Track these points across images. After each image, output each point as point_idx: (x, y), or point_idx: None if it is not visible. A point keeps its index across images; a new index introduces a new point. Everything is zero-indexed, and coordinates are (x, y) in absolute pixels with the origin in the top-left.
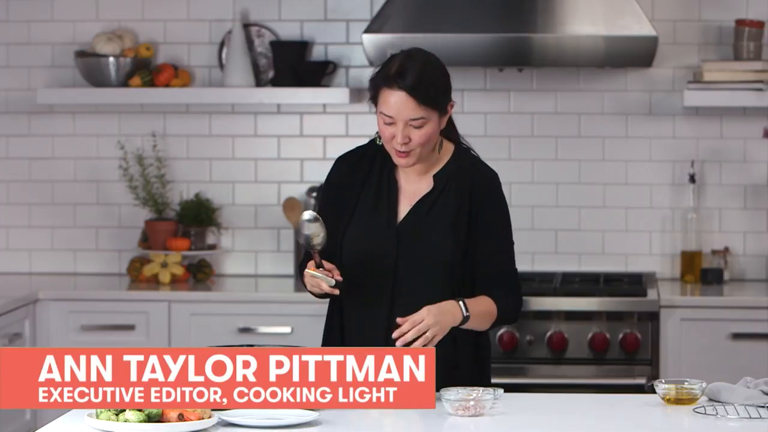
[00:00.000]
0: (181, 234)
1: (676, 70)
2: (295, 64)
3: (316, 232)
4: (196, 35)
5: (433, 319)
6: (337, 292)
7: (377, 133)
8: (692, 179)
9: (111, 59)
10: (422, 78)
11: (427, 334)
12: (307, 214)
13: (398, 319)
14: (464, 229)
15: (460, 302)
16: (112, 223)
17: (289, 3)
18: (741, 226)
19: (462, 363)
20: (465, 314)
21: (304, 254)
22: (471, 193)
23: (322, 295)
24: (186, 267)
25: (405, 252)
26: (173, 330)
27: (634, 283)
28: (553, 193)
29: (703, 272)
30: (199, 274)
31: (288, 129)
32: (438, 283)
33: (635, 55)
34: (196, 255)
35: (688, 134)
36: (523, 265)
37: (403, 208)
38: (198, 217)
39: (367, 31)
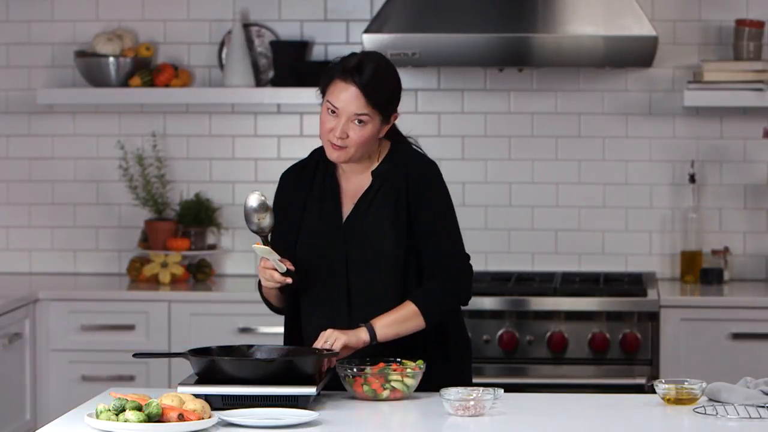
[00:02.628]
0: (181, 234)
1: (676, 70)
2: (295, 64)
3: (263, 216)
4: (196, 35)
5: (338, 344)
6: (289, 280)
7: None
8: (692, 179)
9: (111, 59)
10: (377, 79)
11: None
12: (254, 200)
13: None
14: (404, 221)
15: (367, 328)
16: (112, 223)
17: (289, 3)
18: (741, 226)
19: (429, 353)
20: (370, 336)
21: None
22: (407, 185)
23: (276, 309)
24: (186, 267)
25: (353, 250)
26: (173, 330)
27: (634, 283)
28: (553, 193)
29: (703, 272)
30: (199, 274)
31: (288, 129)
32: (388, 278)
33: (635, 55)
34: (196, 255)
35: (688, 134)
36: (523, 265)
37: (347, 208)
38: (198, 217)
39: (367, 31)
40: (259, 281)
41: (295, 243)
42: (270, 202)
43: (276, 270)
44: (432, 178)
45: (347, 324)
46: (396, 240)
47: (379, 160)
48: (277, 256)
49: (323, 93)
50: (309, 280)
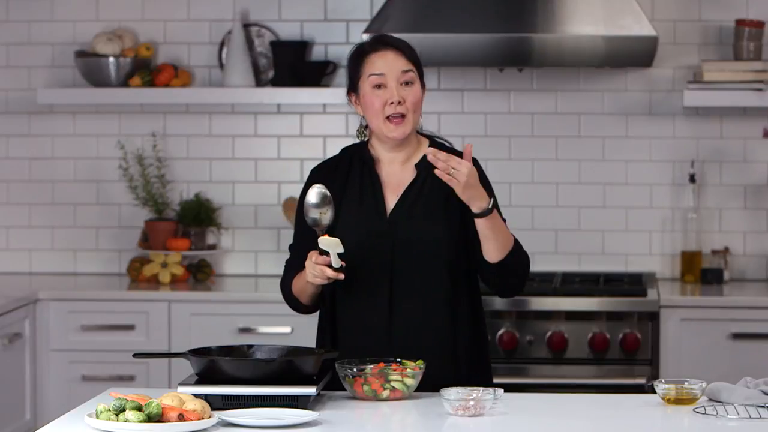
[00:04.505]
0: (181, 234)
1: (676, 70)
2: (295, 64)
3: (324, 212)
4: (196, 35)
5: (467, 172)
6: (342, 276)
7: (358, 129)
8: (692, 179)
9: (111, 59)
10: (402, 41)
11: (452, 172)
12: (314, 196)
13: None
14: (457, 212)
15: (491, 198)
16: (112, 223)
17: (289, 3)
18: (741, 226)
19: (461, 353)
20: (489, 206)
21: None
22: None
23: (302, 307)
24: (186, 267)
25: (400, 241)
26: (173, 330)
27: (634, 283)
28: (553, 193)
29: (703, 272)
30: (199, 274)
31: (288, 129)
32: (437, 271)
33: (635, 55)
34: (196, 255)
35: (688, 134)
36: None
37: (390, 200)
38: (198, 217)
39: (367, 31)
40: (283, 279)
41: (333, 234)
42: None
43: (329, 266)
44: (481, 170)
45: (387, 317)
46: (448, 229)
47: (421, 154)
48: (342, 249)
49: (357, 80)
50: (349, 275)
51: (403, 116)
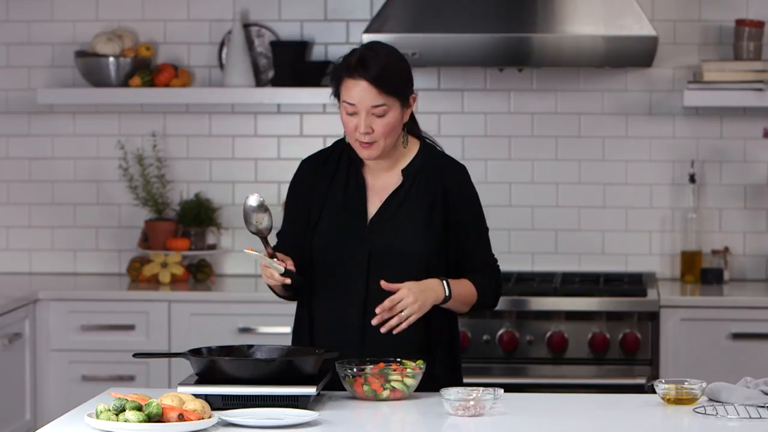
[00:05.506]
0: (181, 234)
1: (676, 70)
2: (295, 64)
3: (262, 218)
4: (196, 35)
5: (413, 297)
6: (288, 280)
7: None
8: (692, 179)
9: (111, 59)
10: (384, 67)
11: (402, 313)
12: (253, 201)
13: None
14: (439, 222)
15: (444, 281)
16: (112, 223)
17: (289, 3)
18: (741, 226)
19: (435, 350)
20: (447, 294)
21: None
22: (444, 186)
23: (286, 296)
24: (186, 267)
25: (379, 247)
26: (173, 330)
27: (634, 283)
28: (553, 193)
29: (703, 272)
30: (199, 274)
31: (288, 129)
32: (412, 278)
33: (635, 55)
34: (196, 255)
35: (688, 134)
36: (523, 265)
37: (373, 204)
38: (198, 217)
39: (367, 31)
40: None
41: (314, 231)
42: (268, 203)
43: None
44: (469, 181)
45: (360, 322)
46: (429, 239)
47: (409, 159)
48: (269, 260)
49: (337, 96)
50: (325, 273)
51: (371, 143)
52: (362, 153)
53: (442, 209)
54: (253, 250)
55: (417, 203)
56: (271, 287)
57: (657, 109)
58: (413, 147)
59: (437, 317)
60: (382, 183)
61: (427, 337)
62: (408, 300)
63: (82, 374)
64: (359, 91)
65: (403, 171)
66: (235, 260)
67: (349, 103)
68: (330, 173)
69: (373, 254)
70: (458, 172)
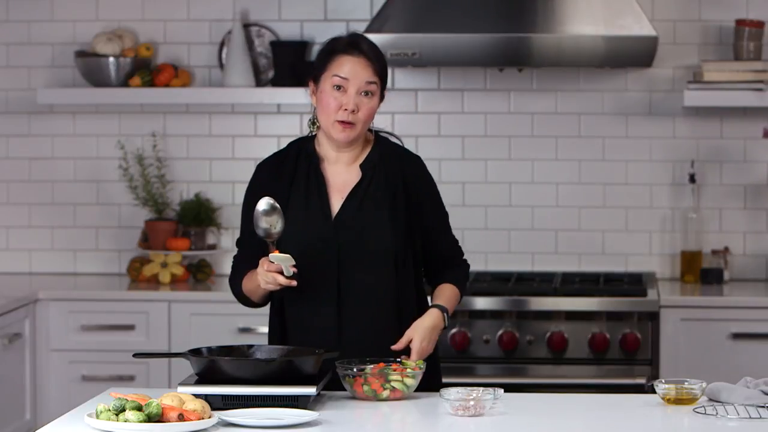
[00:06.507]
0: (181, 234)
1: (676, 70)
2: (295, 64)
3: (274, 223)
4: (196, 35)
5: (427, 341)
6: (294, 283)
7: (310, 120)
8: (692, 179)
9: (111, 59)
10: (375, 50)
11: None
12: (264, 204)
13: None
14: (403, 215)
15: (444, 314)
16: (112, 223)
17: (289, 3)
18: (741, 226)
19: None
20: (445, 325)
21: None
22: (404, 179)
23: (254, 304)
24: (186, 267)
25: (346, 244)
26: (173, 330)
27: (634, 283)
28: (553, 193)
29: (703, 272)
30: (199, 274)
31: (288, 129)
32: (383, 273)
33: (635, 55)
34: (196, 255)
35: (688, 134)
36: (523, 265)
37: (336, 202)
38: (198, 217)
39: (367, 31)
40: (232, 276)
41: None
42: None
43: (281, 273)
44: (426, 171)
45: (336, 318)
46: (395, 234)
47: (365, 153)
48: (293, 261)
49: (320, 74)
50: (296, 273)
51: (352, 124)
52: (340, 135)
53: (404, 202)
54: (279, 252)
55: (378, 196)
56: (241, 295)
57: (657, 109)
58: (368, 141)
59: (412, 317)
60: (342, 179)
61: (402, 335)
62: (429, 348)
63: (82, 374)
64: (355, 66)
65: (361, 166)
66: None
67: (342, 77)
68: (289, 174)
69: (342, 252)
70: (416, 163)
